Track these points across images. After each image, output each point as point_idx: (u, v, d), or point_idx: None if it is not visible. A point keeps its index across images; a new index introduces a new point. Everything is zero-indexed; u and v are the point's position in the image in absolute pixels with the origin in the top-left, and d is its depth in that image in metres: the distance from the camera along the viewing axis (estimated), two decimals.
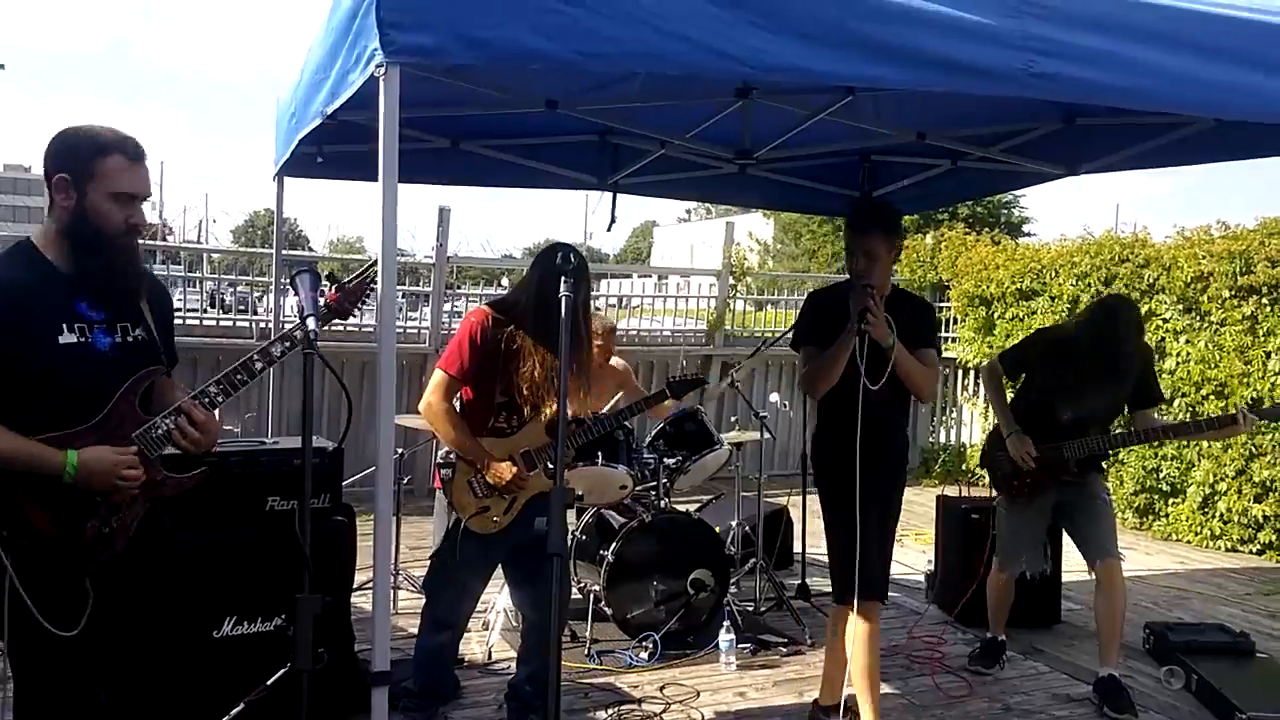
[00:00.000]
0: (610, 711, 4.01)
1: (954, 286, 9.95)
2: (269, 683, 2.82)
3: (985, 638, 4.74)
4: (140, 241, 2.51)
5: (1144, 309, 7.83)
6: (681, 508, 5.14)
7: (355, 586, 4.14)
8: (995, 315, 9.20)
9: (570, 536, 4.93)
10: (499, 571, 3.81)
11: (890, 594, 5.76)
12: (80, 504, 2.34)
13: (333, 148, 4.64)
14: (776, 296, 11.47)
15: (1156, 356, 7.51)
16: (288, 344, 2.54)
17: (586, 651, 4.53)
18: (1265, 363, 7.02)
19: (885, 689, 3.61)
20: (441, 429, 3.54)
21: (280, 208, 5.57)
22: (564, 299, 2.54)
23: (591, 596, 4.74)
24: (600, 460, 4.54)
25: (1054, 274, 8.70)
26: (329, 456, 3.73)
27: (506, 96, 4.38)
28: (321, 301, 2.54)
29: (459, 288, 10.04)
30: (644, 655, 4.53)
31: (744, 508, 5.51)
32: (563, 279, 2.53)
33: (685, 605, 4.70)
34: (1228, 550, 7.23)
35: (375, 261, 2.73)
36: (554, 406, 3.53)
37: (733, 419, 6.43)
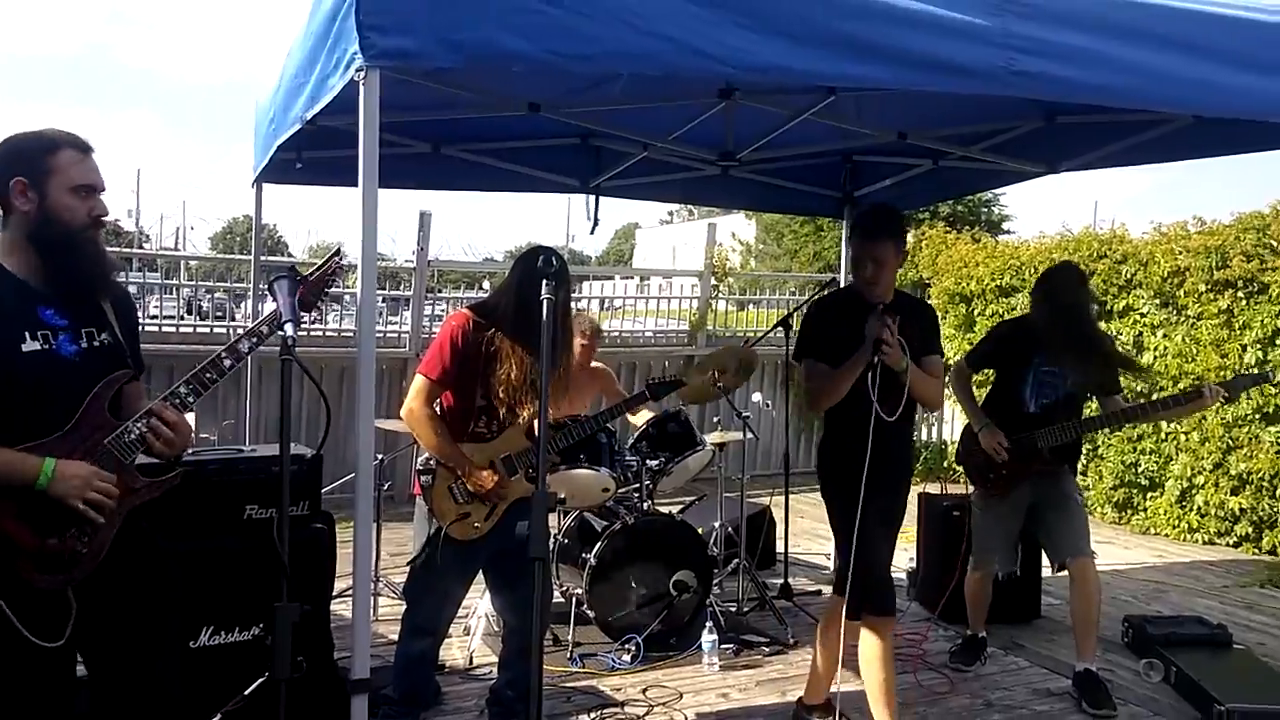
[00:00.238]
0: (593, 715, 3.99)
1: (934, 284, 10.00)
2: (247, 692, 2.79)
3: (966, 634, 4.76)
4: (117, 250, 2.49)
5: (1122, 304, 7.91)
6: (664, 509, 5.13)
7: (335, 594, 4.11)
8: (975, 312, 9.24)
9: (552, 539, 4.91)
10: (480, 577, 3.79)
11: None
12: (59, 514, 2.30)
13: (312, 153, 4.61)
14: (758, 296, 11.50)
15: (1134, 351, 7.58)
16: (255, 339, 2.50)
17: (569, 655, 4.52)
18: (1241, 356, 7.08)
19: (862, 686, 3.60)
20: (423, 435, 3.52)
21: (259, 214, 5.53)
22: (545, 302, 2.52)
23: (573, 599, 4.72)
24: (583, 463, 4.52)
25: (1033, 271, 8.72)
26: (308, 463, 3.68)
27: (488, 100, 4.36)
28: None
29: (440, 291, 10.00)
30: (626, 658, 4.51)
31: (727, 508, 5.50)
32: (544, 282, 2.52)
33: (668, 607, 4.69)
34: (1205, 543, 7.30)
35: (337, 251, 2.71)
36: (531, 409, 3.51)
37: (715, 419, 6.42)
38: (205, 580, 3.37)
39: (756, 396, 6.47)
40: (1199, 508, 7.33)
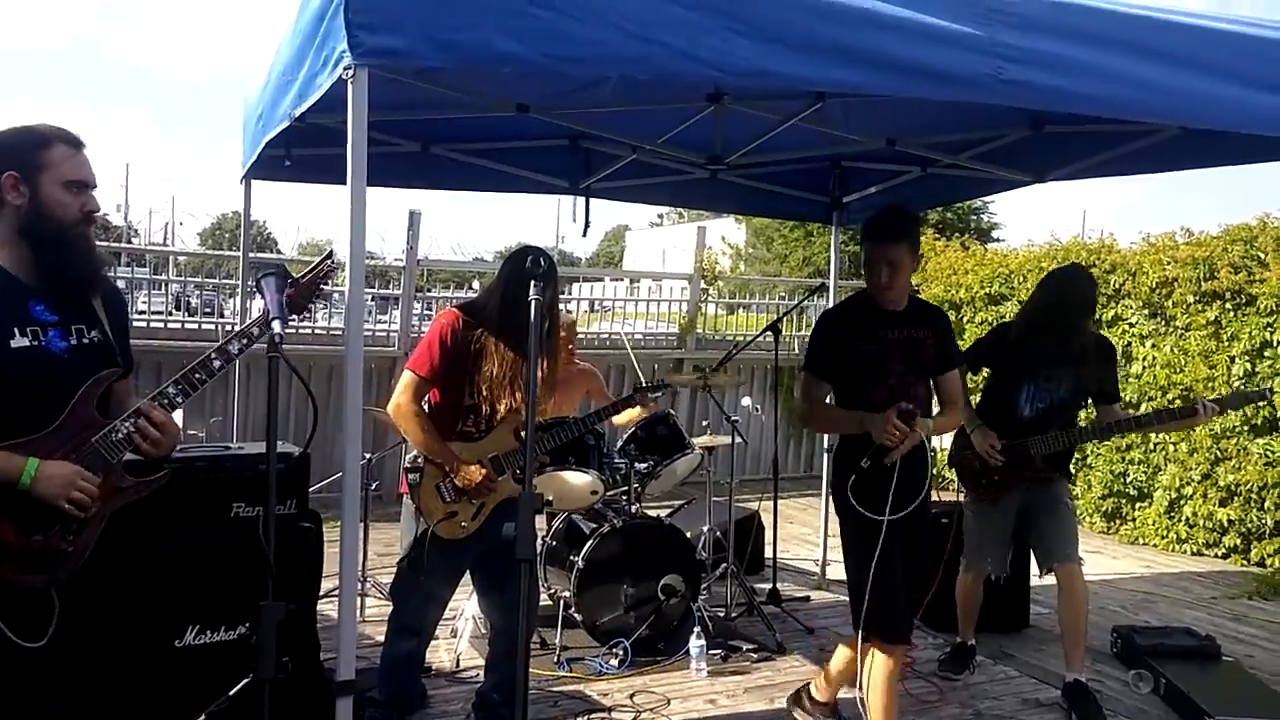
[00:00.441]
0: None
1: (923, 291, 10.00)
2: (231, 693, 2.78)
3: (955, 642, 4.76)
4: (106, 245, 2.48)
5: (1110, 314, 7.94)
6: (653, 513, 5.12)
7: (322, 594, 4.09)
8: (964, 320, 9.27)
9: (540, 542, 4.90)
10: (468, 578, 3.78)
11: None
12: (44, 512, 2.29)
13: (301, 151, 4.60)
14: (748, 300, 11.51)
15: (1123, 361, 7.61)
16: (245, 341, 2.49)
17: (556, 659, 4.50)
18: (1229, 367, 7.11)
19: (852, 693, 3.60)
20: (410, 430, 3.51)
21: (248, 211, 5.51)
22: (533, 302, 2.51)
23: (561, 603, 4.71)
24: (571, 465, 4.52)
25: (1022, 279, 8.77)
26: (295, 462, 3.67)
27: (477, 100, 4.35)
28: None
29: (429, 290, 9.98)
30: (614, 662, 4.50)
31: (715, 513, 5.50)
32: (532, 282, 2.51)
33: (656, 611, 4.68)
34: (1194, 554, 7.32)
35: (330, 254, 2.70)
36: (511, 400, 3.50)
37: (704, 423, 6.43)
38: (191, 579, 3.35)
39: (746, 401, 6.48)
40: (1187, 518, 7.35)
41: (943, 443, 4.86)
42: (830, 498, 5.69)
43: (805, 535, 7.40)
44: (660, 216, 57.21)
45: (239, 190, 5.35)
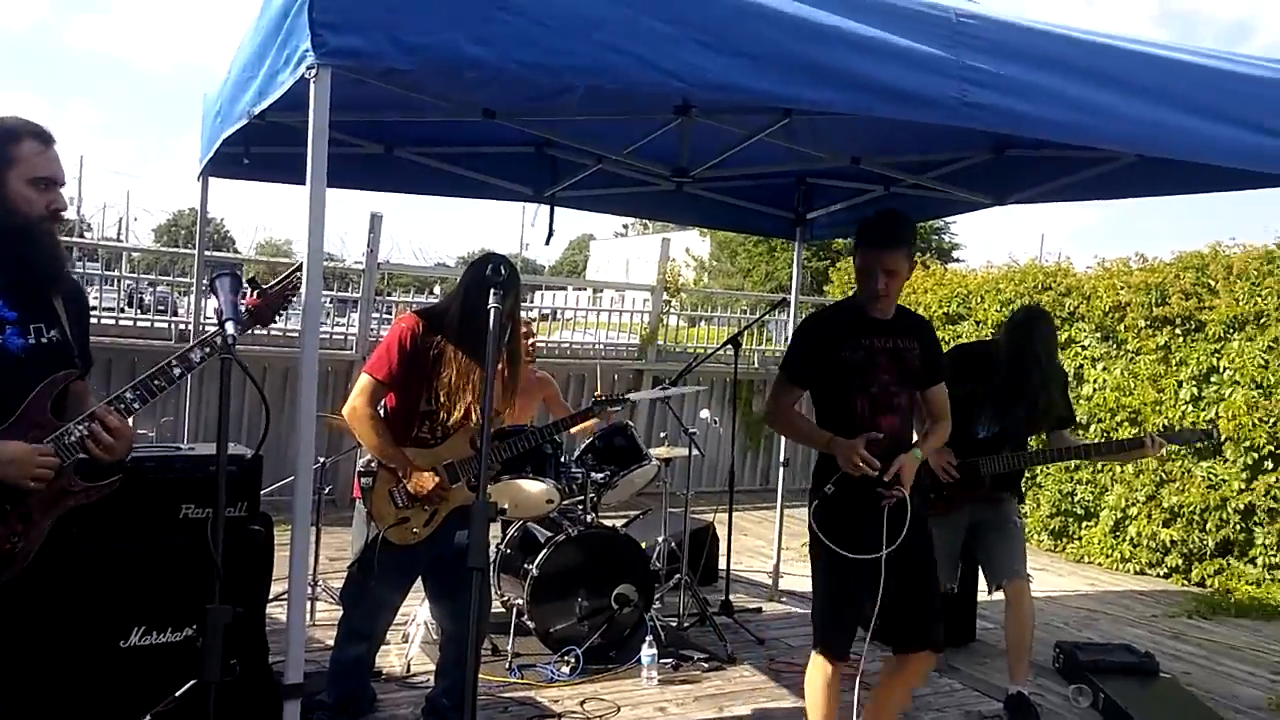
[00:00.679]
0: None
1: None
2: (177, 694, 2.73)
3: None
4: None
5: (1064, 336, 8.07)
6: (609, 522, 5.12)
7: (272, 597, 4.04)
8: None
9: (495, 549, 4.88)
10: (420, 584, 3.75)
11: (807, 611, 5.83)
12: None
13: (260, 149, 4.52)
14: (710, 313, 11.56)
15: (1074, 383, 7.73)
16: (208, 350, 2.46)
17: (508, 665, 4.48)
18: (1177, 391, 7.27)
19: (799, 702, 3.62)
20: (365, 434, 3.48)
21: (204, 208, 5.45)
22: (492, 310, 2.51)
23: (514, 610, 4.69)
24: (528, 474, 4.50)
25: (979, 300, 8.91)
26: (247, 464, 3.62)
27: (443, 104, 4.33)
28: (242, 306, 2.47)
29: (389, 294, 9.91)
30: (565, 669, 4.49)
31: (670, 523, 5.51)
32: (491, 290, 2.51)
33: (609, 620, 4.68)
34: (1137, 573, 7.45)
35: (299, 266, 2.67)
36: (466, 405, 3.48)
37: (662, 434, 6.44)
38: (138, 579, 3.29)
39: (705, 413, 6.49)
40: (1131, 538, 7.49)
41: None
42: (783, 510, 5.73)
43: (759, 547, 7.43)
44: (625, 227, 57.29)
45: (196, 186, 5.28)
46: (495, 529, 5.07)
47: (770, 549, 6.47)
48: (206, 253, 5.73)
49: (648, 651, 4.52)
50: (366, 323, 8.22)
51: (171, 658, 3.32)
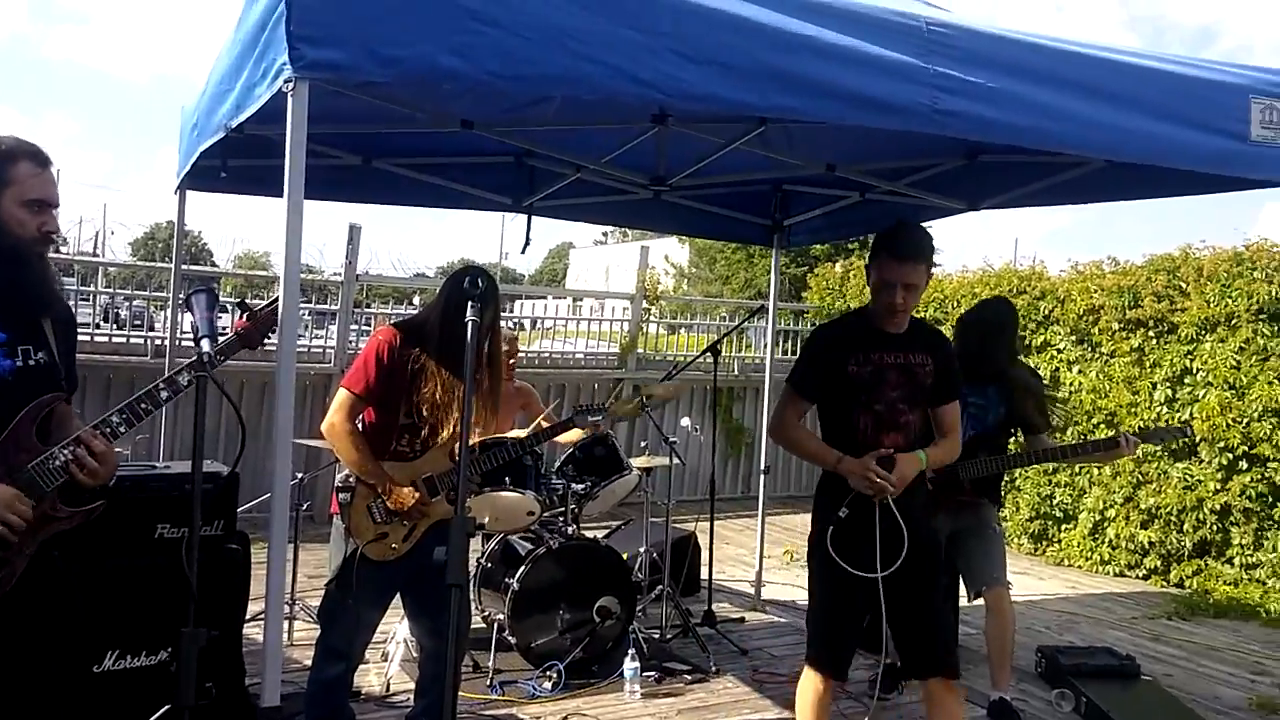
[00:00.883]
0: None
1: None
2: (152, 719, 2.70)
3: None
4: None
5: (1039, 339, 8.14)
6: (590, 534, 5.10)
7: (249, 617, 3.99)
8: None
9: (475, 563, 4.85)
10: (399, 601, 3.71)
11: (795, 620, 5.84)
12: None
13: (238, 162, 4.50)
14: (690, 321, 11.56)
15: (1050, 385, 7.78)
16: (195, 374, 2.43)
17: (488, 682, 4.45)
18: (1151, 393, 7.33)
19: (784, 713, 3.61)
20: (343, 450, 3.45)
21: (181, 221, 5.39)
22: (470, 324, 2.49)
23: (495, 625, 4.66)
24: (508, 486, 4.48)
25: (956, 304, 8.95)
26: (223, 482, 3.59)
27: (420, 115, 4.32)
28: (229, 328, 2.46)
29: (368, 306, 9.85)
30: (547, 685, 4.46)
31: (652, 534, 5.50)
32: (469, 304, 2.49)
33: (591, 633, 4.65)
34: (1116, 575, 7.50)
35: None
36: (454, 428, 3.46)
37: (643, 444, 6.44)
38: (112, 601, 3.25)
39: (685, 421, 6.48)
40: (1110, 540, 7.54)
41: None
42: (765, 518, 5.71)
43: (741, 556, 7.42)
44: (604, 234, 57.29)
45: (173, 199, 5.24)
46: (475, 543, 5.04)
47: (752, 557, 6.46)
48: (184, 266, 5.67)
49: (630, 665, 4.50)
50: (345, 335, 8.18)
51: (146, 682, 3.28)
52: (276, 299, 2.66)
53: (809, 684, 3.40)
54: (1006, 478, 8.02)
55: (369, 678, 4.45)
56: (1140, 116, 3.26)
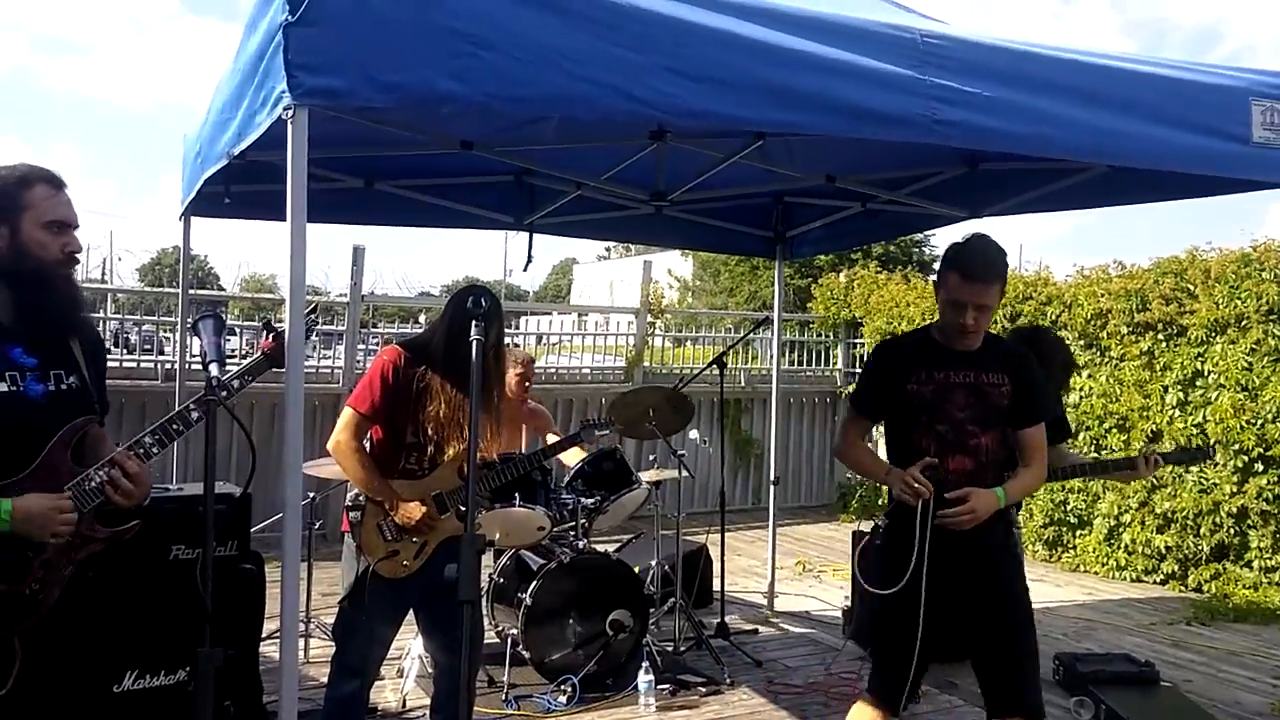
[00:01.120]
0: None
1: (866, 323, 10.23)
2: None
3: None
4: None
5: None
6: (601, 548, 5.11)
7: (265, 635, 4.01)
8: None
9: (487, 579, 4.86)
10: (414, 617, 3.73)
11: (808, 630, 5.83)
12: (14, 559, 2.23)
13: (241, 187, 4.55)
14: (696, 334, 11.59)
15: (1061, 391, 7.76)
16: (225, 393, 2.46)
17: (504, 697, 4.45)
18: (1163, 397, 7.31)
19: None
20: (349, 468, 3.47)
21: (186, 248, 5.44)
22: (474, 343, 2.52)
23: (509, 640, 4.67)
24: (518, 501, 4.49)
25: None
26: (236, 502, 3.62)
27: (420, 137, 4.36)
28: (256, 349, 2.48)
29: (375, 325, 9.91)
30: (562, 699, 4.46)
31: (663, 546, 5.50)
32: (473, 323, 2.51)
33: (604, 647, 4.66)
34: (1133, 580, 7.46)
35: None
36: (459, 446, 3.48)
37: (651, 457, 6.44)
38: (130, 622, 3.28)
39: (694, 434, 6.50)
40: (1126, 545, 7.50)
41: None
42: (776, 529, 5.69)
43: (753, 568, 7.41)
44: (608, 249, 57.34)
45: (179, 225, 5.29)
46: (487, 558, 5.05)
47: (764, 569, 6.46)
48: (190, 291, 5.72)
49: (644, 678, 4.50)
50: (352, 355, 8.22)
51: (165, 701, 3.31)
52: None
53: (857, 716, 3.25)
54: None
55: (385, 694, 4.46)
56: (1140, 121, 3.27)
